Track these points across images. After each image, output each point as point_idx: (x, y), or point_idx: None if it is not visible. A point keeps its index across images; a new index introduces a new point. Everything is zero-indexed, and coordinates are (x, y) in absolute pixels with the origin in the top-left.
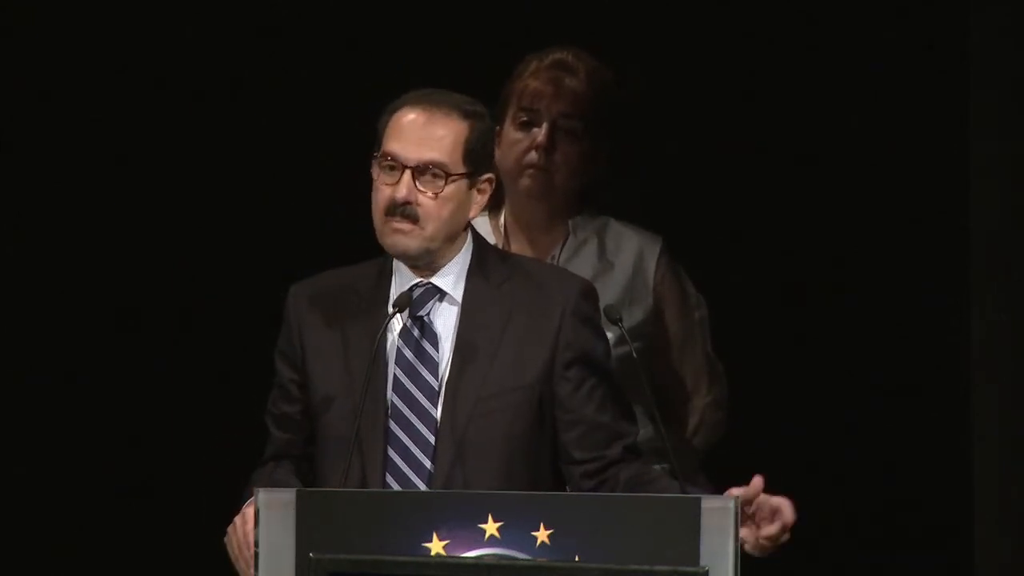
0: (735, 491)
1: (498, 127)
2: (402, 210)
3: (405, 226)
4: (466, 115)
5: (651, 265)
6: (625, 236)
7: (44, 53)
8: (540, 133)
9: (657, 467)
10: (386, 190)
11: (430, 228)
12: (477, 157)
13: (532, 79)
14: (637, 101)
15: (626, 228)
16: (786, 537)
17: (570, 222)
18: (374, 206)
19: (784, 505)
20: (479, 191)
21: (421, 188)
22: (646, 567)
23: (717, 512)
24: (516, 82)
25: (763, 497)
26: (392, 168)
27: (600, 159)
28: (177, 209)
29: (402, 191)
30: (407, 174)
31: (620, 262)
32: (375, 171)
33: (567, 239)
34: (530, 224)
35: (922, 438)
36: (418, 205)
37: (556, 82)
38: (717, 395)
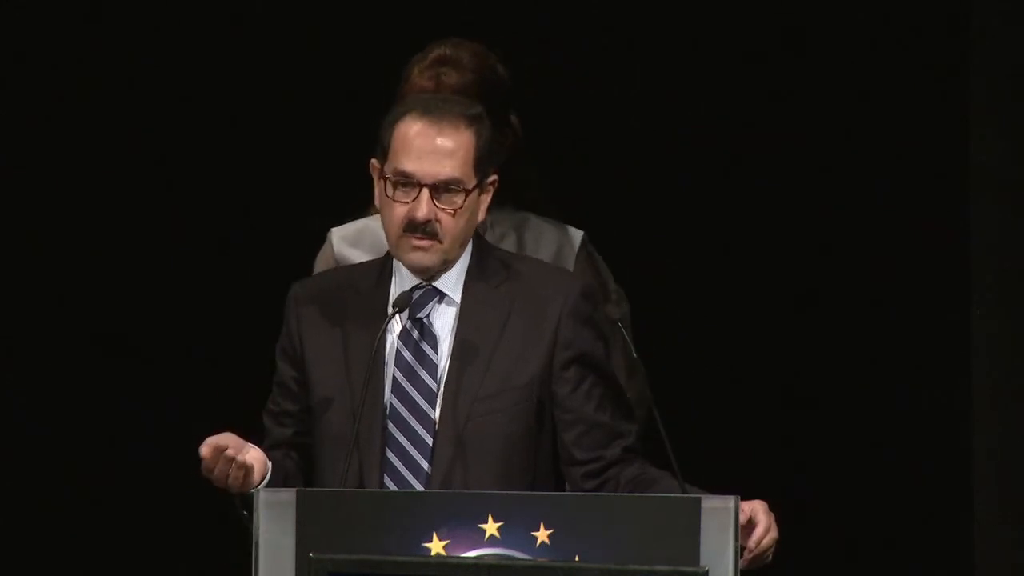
0: None
1: None
2: (424, 228)
3: (425, 243)
4: (471, 122)
5: (570, 261)
6: (545, 231)
7: (43, 53)
8: None
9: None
10: (403, 208)
11: (448, 242)
12: (485, 164)
13: (418, 79)
14: (512, 82)
15: (546, 223)
16: (770, 538)
17: (488, 218)
18: (388, 221)
19: (758, 510)
20: (485, 193)
21: (440, 205)
22: (646, 567)
23: (717, 512)
24: (403, 86)
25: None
26: (407, 185)
27: (503, 145)
28: (177, 208)
29: (423, 210)
30: (425, 192)
31: (539, 257)
32: (387, 187)
33: (484, 235)
34: None
35: (921, 439)
36: (438, 222)
37: (438, 79)
38: (636, 392)
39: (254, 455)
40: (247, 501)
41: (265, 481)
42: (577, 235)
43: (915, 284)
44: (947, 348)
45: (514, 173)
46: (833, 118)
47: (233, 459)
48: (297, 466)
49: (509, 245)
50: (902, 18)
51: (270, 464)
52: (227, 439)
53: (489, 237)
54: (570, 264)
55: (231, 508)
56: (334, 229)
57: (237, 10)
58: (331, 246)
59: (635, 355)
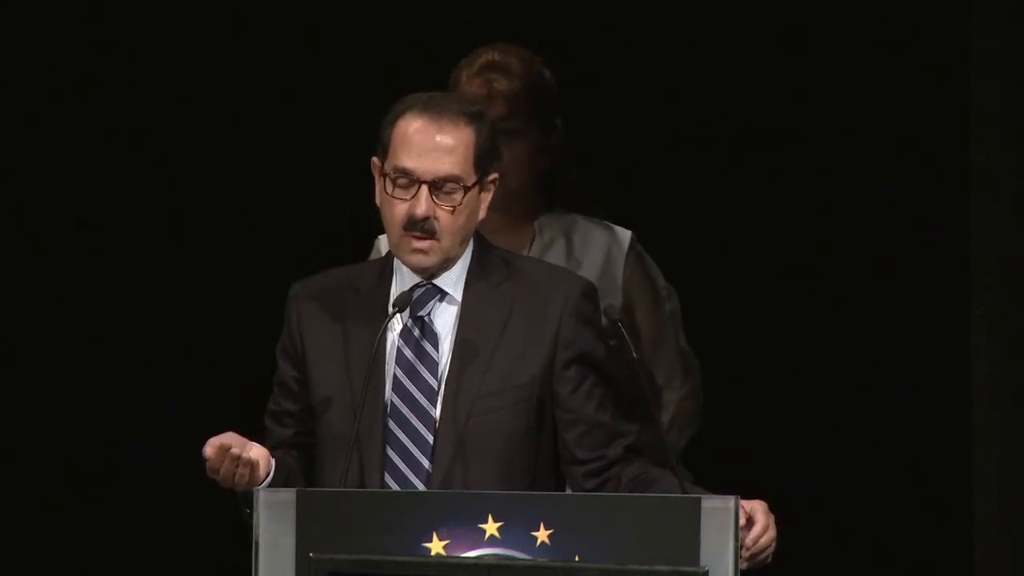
0: None
1: None
2: (422, 226)
3: (425, 243)
4: (470, 119)
5: (619, 261)
6: (593, 233)
7: (44, 53)
8: None
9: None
10: (403, 205)
11: (447, 241)
12: (485, 162)
13: (467, 86)
14: (556, 84)
15: (594, 225)
16: (768, 538)
17: (536, 223)
18: (388, 220)
19: (756, 509)
20: (486, 191)
21: (439, 202)
22: (646, 567)
23: (717, 512)
24: (452, 92)
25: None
26: (406, 182)
27: (551, 149)
28: (177, 208)
29: (422, 207)
30: (424, 189)
31: (588, 260)
32: (387, 184)
33: (533, 240)
34: (494, 229)
35: (921, 439)
36: (436, 219)
37: (488, 85)
38: (691, 387)
39: (258, 452)
40: (250, 499)
41: (270, 477)
42: (625, 235)
43: (915, 284)
44: (947, 348)
45: (560, 175)
46: (833, 118)
47: (238, 457)
48: (299, 464)
49: (558, 249)
50: (902, 18)
51: (273, 460)
52: (230, 438)
53: (538, 243)
54: (620, 264)
55: (234, 506)
56: (381, 236)
57: (237, 10)
58: (378, 254)
59: (635, 355)
